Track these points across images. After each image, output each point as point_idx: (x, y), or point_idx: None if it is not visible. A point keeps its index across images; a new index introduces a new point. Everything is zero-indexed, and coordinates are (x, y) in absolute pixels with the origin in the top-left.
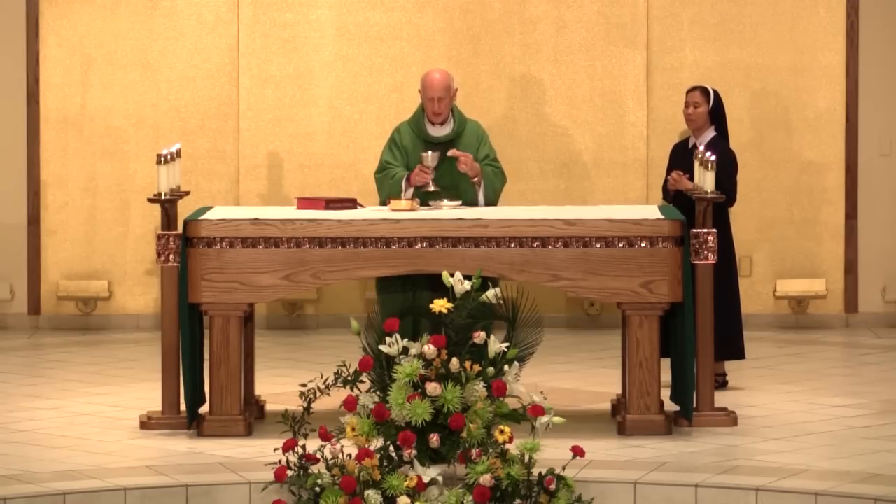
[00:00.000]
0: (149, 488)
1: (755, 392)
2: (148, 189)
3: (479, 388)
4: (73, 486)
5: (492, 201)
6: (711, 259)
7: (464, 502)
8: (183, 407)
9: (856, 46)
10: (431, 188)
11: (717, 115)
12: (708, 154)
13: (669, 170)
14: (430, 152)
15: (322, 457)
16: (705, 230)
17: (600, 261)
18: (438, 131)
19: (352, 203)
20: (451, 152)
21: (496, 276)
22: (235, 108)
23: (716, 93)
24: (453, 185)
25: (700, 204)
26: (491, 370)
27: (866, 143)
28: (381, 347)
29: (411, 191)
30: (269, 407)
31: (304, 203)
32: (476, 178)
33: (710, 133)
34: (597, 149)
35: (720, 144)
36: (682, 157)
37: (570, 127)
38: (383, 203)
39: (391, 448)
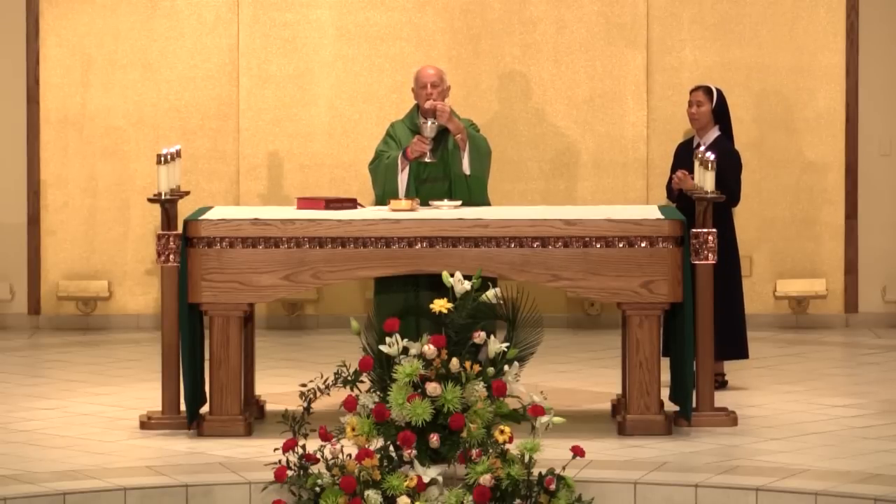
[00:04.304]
0: (149, 488)
1: (755, 392)
2: (148, 189)
3: (479, 388)
4: (73, 486)
5: (478, 169)
6: (711, 259)
7: (464, 502)
8: (183, 407)
9: (856, 46)
10: (428, 159)
11: (721, 115)
12: (708, 154)
13: (674, 169)
14: (429, 122)
15: (322, 457)
16: (705, 230)
17: (600, 261)
18: (432, 128)
19: (352, 203)
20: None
21: (496, 276)
22: (235, 108)
23: (719, 92)
24: (441, 159)
25: (700, 204)
26: (491, 370)
27: (866, 143)
28: (381, 347)
29: (407, 170)
30: (269, 407)
31: (304, 203)
32: (459, 136)
33: (715, 132)
34: (597, 149)
35: (724, 144)
36: (686, 156)
37: (570, 127)
38: (379, 195)
39: (391, 448)
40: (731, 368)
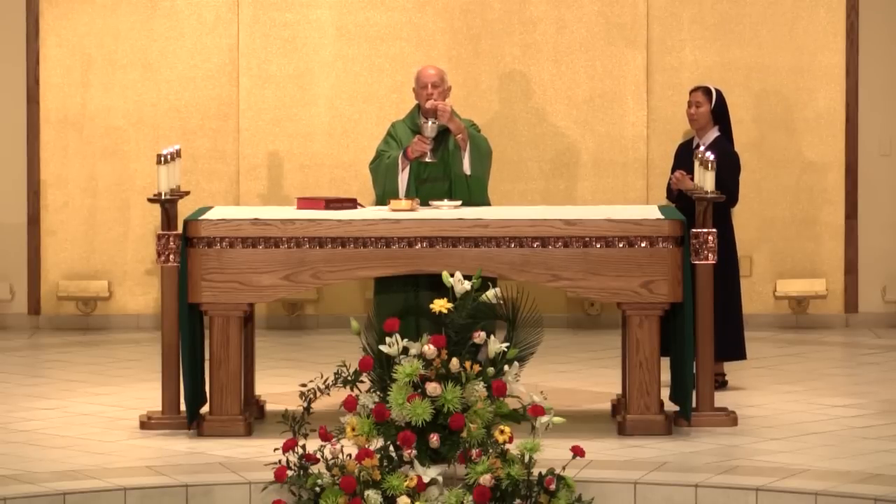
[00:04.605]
0: (149, 488)
1: (755, 392)
2: (148, 189)
3: (479, 388)
4: (73, 486)
5: (478, 170)
6: (711, 259)
7: (464, 502)
8: (183, 407)
9: (856, 46)
10: (429, 159)
11: (721, 115)
12: (707, 154)
13: (674, 170)
14: (430, 122)
15: (322, 457)
16: (705, 230)
17: (600, 261)
18: (432, 128)
19: (352, 203)
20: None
21: (496, 276)
22: (235, 108)
23: (718, 92)
24: (442, 159)
25: (700, 204)
26: (491, 370)
27: (866, 143)
28: (381, 347)
29: (407, 170)
30: (269, 407)
31: (304, 203)
32: (460, 136)
33: (714, 133)
34: (597, 149)
35: (723, 145)
36: (686, 157)
37: (570, 127)
38: (379, 195)
39: (391, 448)
40: (731, 368)
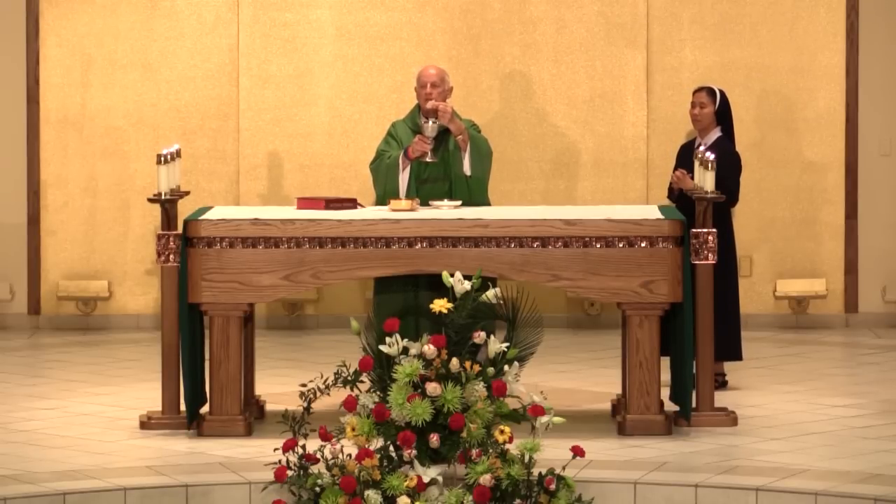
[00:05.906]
0: (149, 488)
1: (755, 392)
2: (148, 189)
3: (479, 388)
4: (73, 486)
5: (478, 170)
6: (711, 259)
7: (464, 502)
8: (183, 407)
9: (856, 46)
10: (429, 159)
11: (724, 116)
12: (707, 154)
13: (676, 170)
14: (430, 122)
15: (322, 457)
16: (705, 230)
17: (600, 261)
18: (433, 128)
19: (352, 203)
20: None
21: (496, 276)
22: (235, 108)
23: (722, 93)
24: (442, 159)
25: (700, 204)
26: (491, 370)
27: (866, 143)
28: (381, 347)
29: (408, 170)
30: (269, 407)
31: (304, 203)
32: (460, 137)
33: (716, 134)
34: (597, 149)
35: (724, 145)
36: (688, 157)
37: (570, 127)
38: (380, 195)
39: (391, 448)
40: (731, 368)
